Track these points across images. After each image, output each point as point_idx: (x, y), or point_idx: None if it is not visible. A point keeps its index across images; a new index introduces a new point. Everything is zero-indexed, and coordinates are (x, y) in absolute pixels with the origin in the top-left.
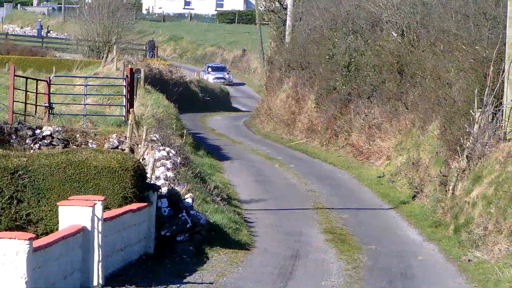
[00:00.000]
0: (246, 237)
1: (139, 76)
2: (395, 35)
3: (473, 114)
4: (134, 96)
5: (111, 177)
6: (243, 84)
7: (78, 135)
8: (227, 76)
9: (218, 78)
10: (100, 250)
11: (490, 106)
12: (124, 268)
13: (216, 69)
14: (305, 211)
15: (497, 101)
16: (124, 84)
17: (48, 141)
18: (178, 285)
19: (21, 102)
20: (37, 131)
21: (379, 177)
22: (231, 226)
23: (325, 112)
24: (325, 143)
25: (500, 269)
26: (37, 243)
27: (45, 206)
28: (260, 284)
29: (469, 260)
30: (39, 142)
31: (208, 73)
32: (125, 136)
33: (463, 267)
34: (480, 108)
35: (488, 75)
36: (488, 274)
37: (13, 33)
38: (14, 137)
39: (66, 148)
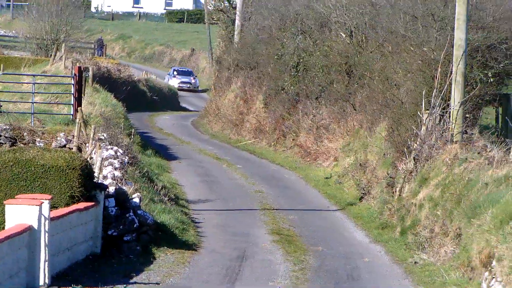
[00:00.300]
0: (193, 238)
1: (87, 75)
2: (344, 35)
3: (421, 115)
4: (82, 95)
5: (58, 176)
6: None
7: (25, 134)
8: (193, 81)
9: (184, 82)
10: (47, 249)
11: (438, 108)
12: (71, 268)
13: (182, 73)
14: (252, 212)
15: (444, 103)
16: (73, 82)
17: None
18: (124, 285)
19: None
20: None
21: (327, 178)
22: (178, 226)
23: (273, 112)
24: (273, 143)
25: (446, 271)
26: None
27: None
28: (207, 284)
29: (415, 262)
30: None
31: (174, 76)
32: (73, 135)
33: (409, 269)
34: (428, 110)
35: (436, 77)
36: (434, 276)
37: None
38: None
39: (13, 147)
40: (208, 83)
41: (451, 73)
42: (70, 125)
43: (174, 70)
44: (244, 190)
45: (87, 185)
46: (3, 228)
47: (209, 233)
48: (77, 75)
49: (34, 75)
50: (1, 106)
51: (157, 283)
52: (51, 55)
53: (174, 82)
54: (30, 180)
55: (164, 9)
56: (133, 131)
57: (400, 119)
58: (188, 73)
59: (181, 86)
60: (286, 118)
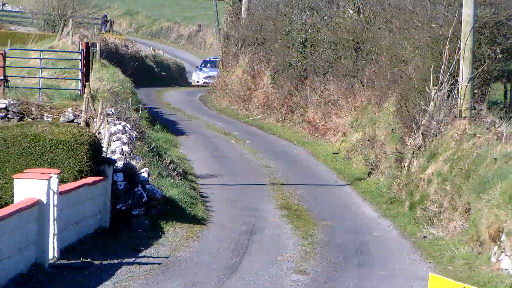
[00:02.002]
0: (202, 212)
1: (94, 50)
2: (351, 11)
3: (429, 91)
4: (90, 70)
5: (66, 150)
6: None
7: (33, 109)
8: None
9: (210, 76)
10: (56, 223)
11: (446, 84)
12: (80, 242)
13: (214, 64)
14: (261, 187)
15: (452, 79)
16: (80, 58)
17: (3, 114)
18: (133, 259)
19: None
20: None
21: (335, 153)
22: (187, 201)
23: (281, 88)
24: (281, 119)
25: (455, 246)
26: None
27: (0, 179)
28: (215, 258)
29: (424, 237)
30: None
31: (200, 70)
32: (81, 110)
33: (418, 244)
34: (436, 85)
35: (444, 53)
36: (443, 251)
37: None
38: None
39: (22, 121)
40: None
41: (459, 49)
42: (77, 100)
43: (205, 61)
44: (252, 165)
45: (96, 159)
46: (12, 202)
47: (218, 207)
48: (84, 50)
49: (41, 51)
50: (9, 81)
51: (166, 257)
52: (58, 31)
53: (197, 77)
54: (39, 154)
55: None
56: (141, 106)
57: (408, 94)
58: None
59: (208, 82)
60: (294, 94)
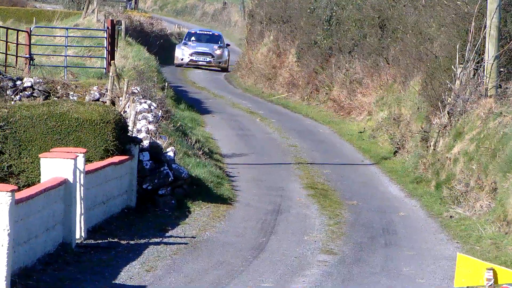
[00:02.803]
0: (228, 192)
1: (120, 28)
2: None
3: (455, 70)
4: (115, 48)
5: (92, 129)
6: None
7: (59, 87)
8: (218, 51)
9: (198, 54)
10: (82, 203)
11: (472, 62)
12: (106, 221)
13: (201, 39)
14: (286, 166)
15: (478, 57)
16: (105, 36)
17: (29, 92)
18: (160, 238)
19: (2, 53)
20: (18, 82)
21: (360, 132)
22: (213, 180)
23: (306, 66)
24: (306, 97)
25: (482, 225)
26: (19, 195)
27: (26, 158)
28: (242, 238)
29: (450, 217)
30: (20, 94)
31: (185, 45)
32: (106, 89)
33: (445, 224)
34: (462, 64)
35: (470, 31)
36: (469, 231)
37: None
38: None
39: (47, 100)
40: (241, 37)
41: (485, 27)
42: (103, 78)
43: (189, 34)
44: (278, 144)
45: (121, 138)
46: (39, 181)
47: (244, 187)
48: (109, 28)
49: (67, 28)
50: (34, 59)
51: (192, 237)
52: (83, 8)
53: (182, 54)
54: (64, 133)
55: None
56: (166, 84)
57: (433, 73)
58: (212, 39)
59: (195, 61)
60: (319, 72)
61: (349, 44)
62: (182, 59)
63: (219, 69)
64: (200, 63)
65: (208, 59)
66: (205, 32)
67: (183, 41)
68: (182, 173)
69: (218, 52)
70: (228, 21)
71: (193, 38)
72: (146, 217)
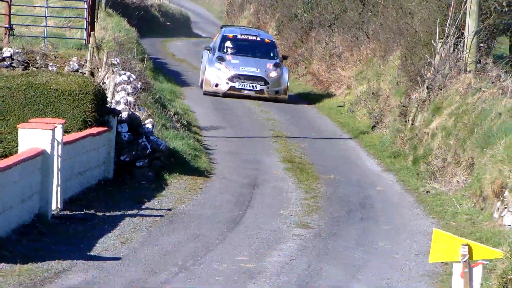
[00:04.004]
0: (205, 164)
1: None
2: None
3: (435, 44)
4: (95, 20)
5: (71, 100)
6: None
7: (38, 58)
8: (273, 73)
9: (244, 78)
10: (60, 174)
11: (452, 37)
12: (83, 193)
13: (247, 49)
14: (264, 140)
15: (458, 32)
16: (85, 7)
17: (8, 62)
18: (136, 211)
19: None
20: None
21: (339, 106)
22: (190, 153)
23: (286, 39)
24: None
25: (458, 201)
26: None
27: (4, 128)
28: (218, 211)
29: (427, 192)
30: None
31: (222, 59)
32: (86, 60)
33: (421, 199)
34: (442, 39)
35: (451, 6)
36: (445, 206)
37: None
38: None
39: (26, 70)
40: (221, 9)
41: (465, 2)
42: (82, 49)
43: (224, 38)
44: (256, 117)
45: (100, 110)
46: (16, 152)
47: (221, 160)
48: None
49: None
50: (14, 29)
51: (169, 209)
52: None
53: (217, 76)
54: (43, 104)
55: None
56: (145, 56)
57: (413, 48)
58: (261, 49)
59: (238, 89)
60: (298, 46)
61: (330, 18)
62: (217, 85)
63: (273, 99)
64: (246, 92)
65: (258, 87)
66: (250, 37)
67: (214, 50)
68: (160, 145)
69: (273, 74)
70: None
71: (230, 46)
72: (123, 189)
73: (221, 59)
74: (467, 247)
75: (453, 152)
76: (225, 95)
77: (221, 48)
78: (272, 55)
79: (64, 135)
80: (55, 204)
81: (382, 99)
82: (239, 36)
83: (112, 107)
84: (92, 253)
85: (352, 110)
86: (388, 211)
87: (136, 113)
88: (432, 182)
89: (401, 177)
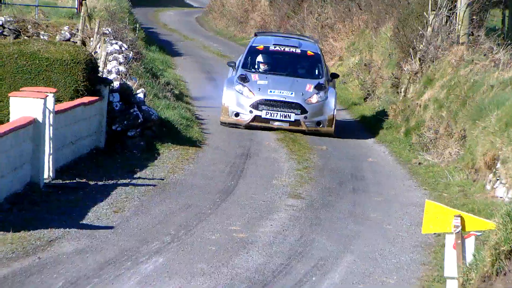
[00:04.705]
0: (198, 134)
1: None
2: None
3: (427, 16)
4: None
5: (63, 69)
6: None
7: (29, 26)
8: (314, 97)
9: (274, 104)
10: (51, 143)
11: (444, 9)
12: (75, 162)
13: (276, 63)
14: None
15: (451, 4)
16: None
17: (0, 31)
18: (128, 180)
19: None
20: None
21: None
22: (182, 123)
23: (278, 10)
24: None
25: (450, 172)
26: None
27: None
28: (211, 181)
29: (419, 163)
30: None
31: (245, 80)
32: (77, 29)
33: (413, 170)
34: (434, 10)
35: None
36: (437, 178)
37: None
38: None
39: (18, 39)
40: None
41: None
42: (74, 18)
43: (251, 51)
44: None
45: (92, 79)
46: (8, 120)
47: (213, 130)
48: None
49: None
50: None
51: (161, 179)
52: None
53: (237, 101)
54: (35, 73)
55: None
56: (137, 26)
57: (406, 19)
58: (300, 63)
59: (266, 120)
60: (291, 17)
61: None
62: (237, 114)
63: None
64: (276, 124)
65: (293, 117)
66: (287, 48)
67: (237, 66)
68: (151, 115)
69: (314, 99)
70: None
71: (259, 61)
72: (115, 159)
73: (244, 79)
74: (459, 218)
75: (445, 124)
76: (248, 126)
77: (247, 64)
78: (315, 72)
79: (55, 104)
80: (47, 173)
81: (374, 71)
82: (271, 48)
83: (103, 76)
84: (84, 222)
85: (344, 81)
86: (380, 183)
87: (128, 82)
88: (424, 154)
89: (393, 148)
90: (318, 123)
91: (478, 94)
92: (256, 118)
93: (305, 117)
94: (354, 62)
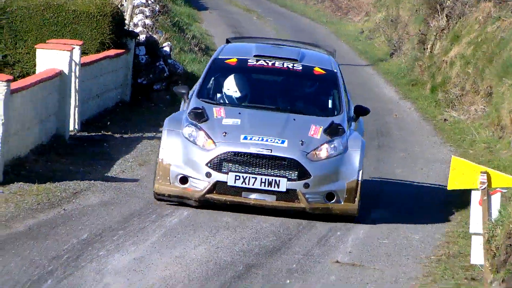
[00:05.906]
0: None
1: None
2: None
3: None
4: None
5: (89, 22)
6: None
7: None
8: (323, 151)
9: (265, 161)
10: (77, 95)
11: None
12: (100, 115)
13: (266, 93)
14: None
15: None
16: None
17: None
18: (154, 133)
19: None
20: None
21: (361, 32)
22: None
23: None
24: None
25: (476, 129)
26: (14, 85)
27: (22, 48)
28: None
29: (445, 120)
30: None
31: (200, 117)
32: None
33: (439, 126)
34: None
35: None
36: (463, 134)
37: None
38: None
39: None
40: None
41: None
42: None
43: (215, 63)
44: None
45: (118, 32)
46: (34, 72)
47: None
48: None
49: None
50: None
51: None
52: None
53: (183, 156)
54: (61, 25)
55: None
56: None
57: None
58: (304, 94)
59: (237, 190)
60: None
61: None
62: (185, 180)
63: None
64: (254, 197)
65: (284, 184)
66: (278, 63)
67: (190, 94)
68: (177, 69)
69: (323, 153)
70: None
71: (230, 84)
72: (140, 112)
73: (199, 116)
74: (486, 174)
75: (472, 80)
76: (202, 202)
77: (205, 90)
78: (328, 105)
79: (81, 56)
80: (73, 125)
81: (400, 27)
82: (251, 63)
83: (130, 29)
84: (109, 174)
85: (370, 37)
86: (405, 139)
87: (154, 36)
88: (450, 110)
89: (419, 105)
90: (330, 196)
91: (505, 51)
92: (217, 186)
93: (306, 185)
94: (380, 18)
